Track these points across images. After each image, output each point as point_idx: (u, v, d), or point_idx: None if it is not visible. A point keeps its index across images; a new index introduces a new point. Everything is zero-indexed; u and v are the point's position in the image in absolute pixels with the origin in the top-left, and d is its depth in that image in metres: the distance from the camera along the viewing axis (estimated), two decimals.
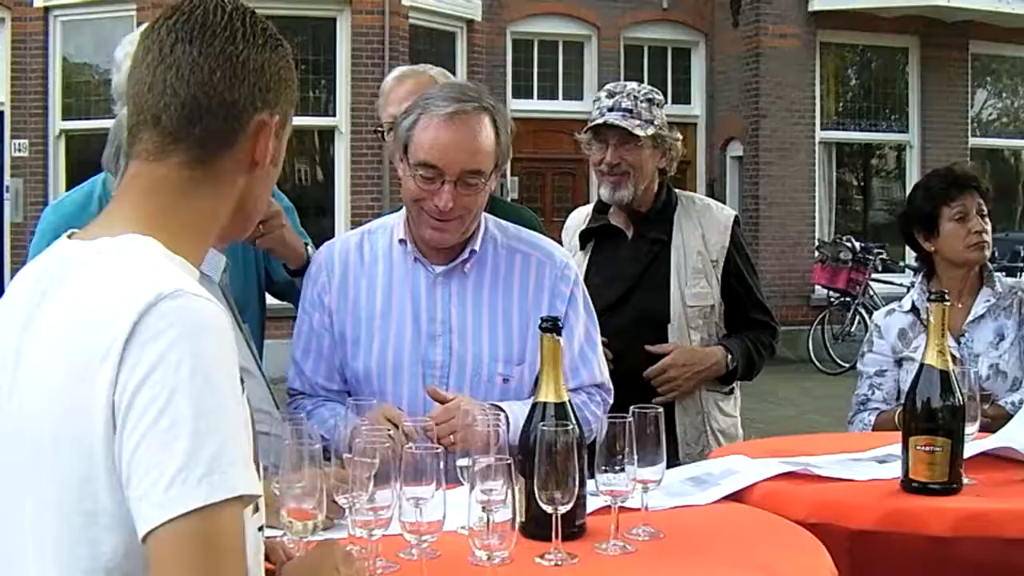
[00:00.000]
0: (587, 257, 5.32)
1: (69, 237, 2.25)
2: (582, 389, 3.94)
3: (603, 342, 4.21)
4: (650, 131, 5.08)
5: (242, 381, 2.12)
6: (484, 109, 3.80)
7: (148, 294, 1.99)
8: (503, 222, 4.14)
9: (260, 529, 2.33)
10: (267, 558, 2.58)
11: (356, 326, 3.94)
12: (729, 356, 5.06)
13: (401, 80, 4.97)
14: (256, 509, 2.24)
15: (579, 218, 5.57)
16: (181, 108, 2.21)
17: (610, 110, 5.11)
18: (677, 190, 5.43)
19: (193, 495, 1.89)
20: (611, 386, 4.07)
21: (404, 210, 4.00)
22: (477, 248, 3.93)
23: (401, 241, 3.98)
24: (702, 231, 5.23)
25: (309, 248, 4.25)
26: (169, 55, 2.21)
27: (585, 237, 5.38)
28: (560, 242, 4.78)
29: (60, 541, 2.02)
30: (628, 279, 5.19)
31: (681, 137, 5.35)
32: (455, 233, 3.85)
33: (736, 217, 5.37)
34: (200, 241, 2.30)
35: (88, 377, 1.98)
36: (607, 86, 5.31)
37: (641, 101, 5.12)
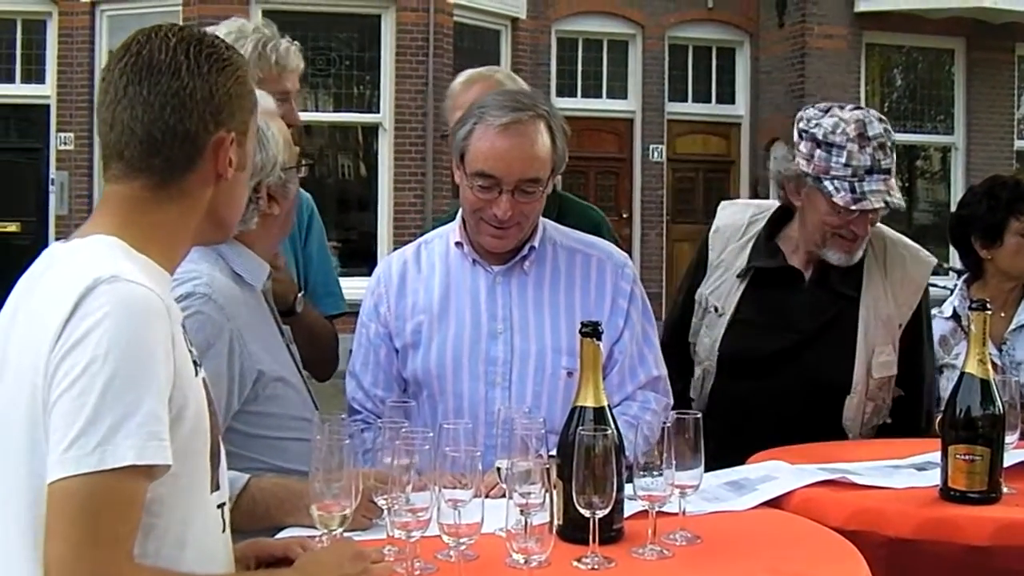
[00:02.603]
0: (743, 285, 4.65)
1: (61, 242, 2.48)
2: (639, 391, 3.95)
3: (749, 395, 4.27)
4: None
5: (196, 364, 2.41)
6: (539, 116, 3.80)
7: (88, 279, 2.23)
8: (560, 225, 4.14)
9: (220, 507, 2.55)
10: (285, 557, 2.78)
11: (416, 329, 3.95)
12: None
13: (469, 85, 4.89)
14: (217, 487, 2.50)
15: (736, 223, 4.81)
16: (140, 145, 2.44)
17: (869, 171, 4.29)
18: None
19: (87, 460, 2.12)
20: (668, 382, 4.04)
21: (459, 214, 4.02)
22: (536, 244, 3.94)
23: (457, 244, 3.99)
24: (892, 289, 4.57)
25: (300, 297, 4.26)
26: (124, 97, 2.44)
27: (749, 270, 4.64)
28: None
29: (19, 506, 2.25)
30: (800, 332, 4.54)
31: None
32: (513, 239, 3.88)
33: (935, 269, 4.73)
34: (170, 246, 2.53)
35: (39, 356, 2.22)
36: (851, 129, 4.33)
37: (889, 149, 4.35)
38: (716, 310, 4.63)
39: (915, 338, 4.64)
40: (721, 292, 4.68)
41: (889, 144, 4.33)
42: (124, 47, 2.49)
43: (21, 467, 2.24)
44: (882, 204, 4.29)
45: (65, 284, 2.24)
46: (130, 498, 2.17)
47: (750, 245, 4.70)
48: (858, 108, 4.45)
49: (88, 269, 2.25)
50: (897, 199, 4.30)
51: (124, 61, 2.46)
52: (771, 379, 4.43)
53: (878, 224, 4.63)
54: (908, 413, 4.66)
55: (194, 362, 2.42)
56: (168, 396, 2.24)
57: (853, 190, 4.29)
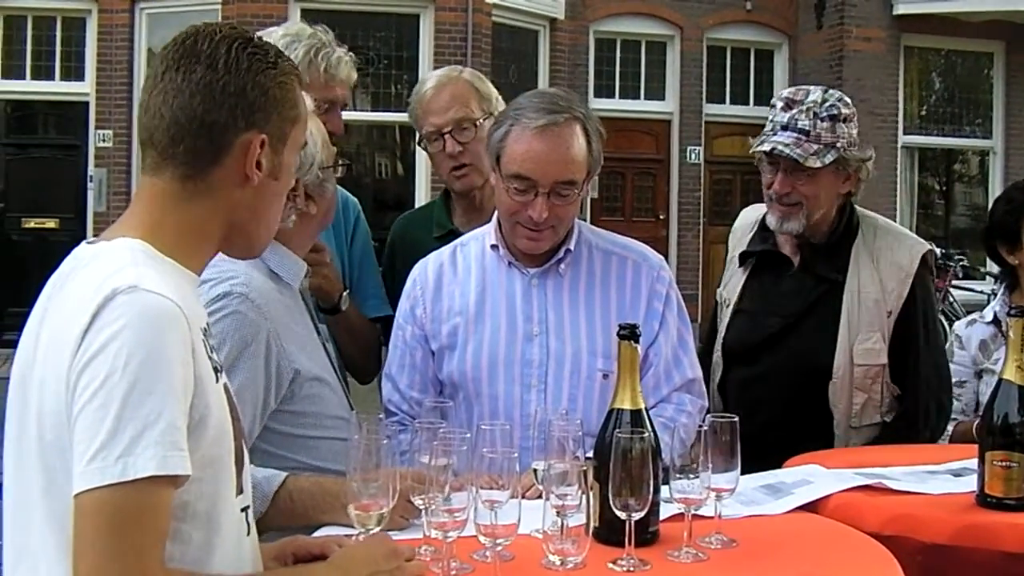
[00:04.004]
0: (744, 276, 4.79)
1: (88, 243, 2.47)
2: (674, 393, 3.96)
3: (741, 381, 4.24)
4: (830, 157, 4.40)
5: (217, 371, 2.40)
6: (575, 119, 3.81)
7: (107, 289, 2.23)
8: (595, 227, 4.15)
9: (243, 510, 2.55)
10: (322, 555, 2.80)
11: (452, 332, 3.96)
12: None
13: (440, 89, 4.82)
14: (241, 491, 2.50)
15: (748, 221, 4.94)
16: (167, 131, 2.44)
17: (784, 128, 4.46)
18: (863, 211, 4.75)
19: (110, 471, 2.12)
20: (703, 384, 4.06)
21: (494, 217, 4.03)
22: (572, 247, 3.95)
23: (493, 246, 4.01)
24: (880, 275, 4.56)
25: (345, 295, 4.27)
26: (160, 81, 2.46)
27: (745, 257, 4.81)
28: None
29: (55, 513, 2.26)
30: (786, 316, 4.59)
31: (872, 155, 4.61)
32: (548, 242, 3.89)
33: (926, 257, 4.64)
34: (197, 247, 2.53)
35: (61, 365, 2.23)
36: (786, 92, 4.58)
37: (823, 119, 4.42)
38: (727, 304, 4.72)
39: (908, 330, 4.56)
40: (731, 286, 4.82)
41: (824, 114, 4.42)
42: (174, 39, 2.51)
43: (57, 474, 2.25)
44: (768, 148, 4.41)
45: (86, 293, 2.25)
46: (155, 508, 2.18)
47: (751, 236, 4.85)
48: (825, 88, 4.60)
49: (108, 278, 2.26)
50: (797, 153, 4.37)
51: (169, 50, 2.48)
52: (759, 365, 4.45)
53: (870, 213, 4.76)
54: (904, 412, 4.59)
55: (215, 368, 2.42)
56: (188, 405, 2.26)
57: (763, 141, 4.47)
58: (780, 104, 4.52)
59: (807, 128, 4.41)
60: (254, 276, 3.41)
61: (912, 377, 4.56)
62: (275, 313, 3.41)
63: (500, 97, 4.80)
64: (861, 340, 4.49)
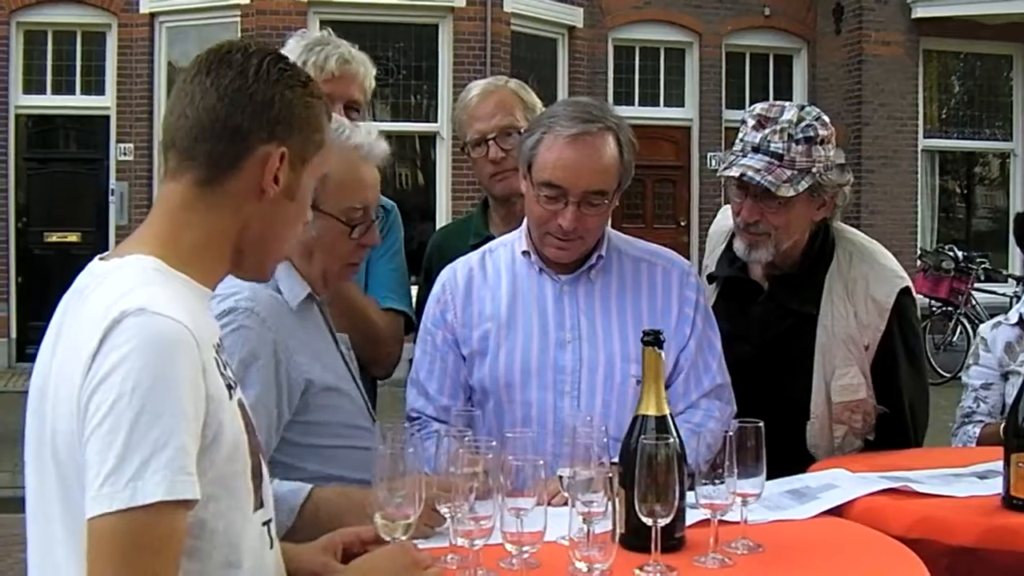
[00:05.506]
0: (716, 292, 4.52)
1: (101, 258, 2.48)
2: (703, 399, 3.95)
3: None
4: (804, 184, 4.09)
5: (230, 388, 2.41)
6: (608, 128, 3.82)
7: (115, 311, 2.24)
8: (624, 235, 4.16)
9: (265, 524, 2.57)
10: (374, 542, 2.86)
11: (483, 337, 3.97)
12: None
13: (485, 96, 4.89)
14: (261, 505, 2.51)
15: (722, 226, 4.67)
16: (190, 129, 2.47)
17: (755, 150, 4.14)
18: (841, 228, 4.47)
19: (119, 496, 2.13)
20: (731, 390, 4.02)
21: (524, 224, 4.04)
22: (604, 253, 3.96)
23: (524, 253, 4.02)
24: (856, 308, 4.29)
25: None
26: (189, 85, 2.49)
27: (714, 278, 4.57)
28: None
29: (71, 520, 2.27)
30: (755, 345, 4.34)
31: (851, 179, 4.31)
32: (576, 252, 3.91)
33: (905, 289, 4.35)
34: (210, 262, 2.54)
35: (74, 384, 2.24)
36: (758, 108, 4.21)
37: (798, 141, 4.09)
38: None
39: (890, 363, 4.35)
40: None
41: (799, 135, 4.10)
42: (208, 50, 2.55)
43: (73, 490, 2.26)
44: (737, 174, 4.09)
45: (96, 314, 2.26)
46: (166, 532, 2.18)
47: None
48: (801, 105, 4.25)
49: (118, 299, 2.26)
50: (769, 180, 4.06)
51: (202, 58, 2.52)
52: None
53: (849, 231, 4.52)
54: (891, 432, 4.38)
55: (228, 385, 2.42)
56: (199, 427, 2.26)
57: (731, 163, 4.17)
58: (752, 122, 4.20)
59: (780, 151, 4.10)
60: (259, 289, 3.39)
61: (896, 403, 4.36)
62: (283, 325, 3.41)
63: (544, 107, 4.77)
64: (838, 376, 4.28)
